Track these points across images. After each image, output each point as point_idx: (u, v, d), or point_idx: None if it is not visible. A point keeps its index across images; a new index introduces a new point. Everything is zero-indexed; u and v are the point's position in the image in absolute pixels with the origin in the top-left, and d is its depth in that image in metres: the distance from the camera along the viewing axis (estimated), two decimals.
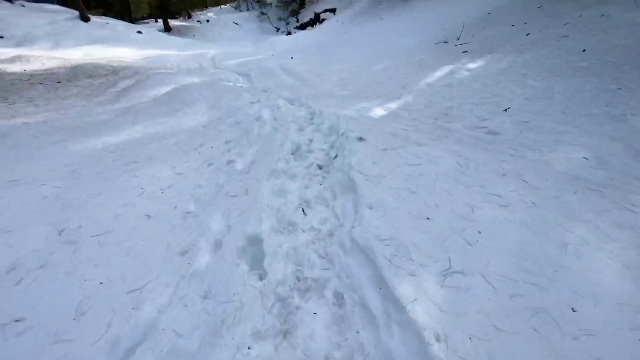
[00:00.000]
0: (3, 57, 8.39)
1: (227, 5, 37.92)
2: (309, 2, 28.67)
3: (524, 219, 1.83)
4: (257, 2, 32.50)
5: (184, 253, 1.76)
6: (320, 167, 2.60)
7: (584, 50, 5.28)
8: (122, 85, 6.15)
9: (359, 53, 10.98)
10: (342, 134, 2.91)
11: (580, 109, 3.70)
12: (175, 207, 2.21)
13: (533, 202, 1.98)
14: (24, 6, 18.20)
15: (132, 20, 32.41)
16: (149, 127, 3.87)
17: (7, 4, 17.48)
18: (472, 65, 5.85)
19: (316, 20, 22.93)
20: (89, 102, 5.16)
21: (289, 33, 23.46)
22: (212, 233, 1.89)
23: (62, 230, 1.99)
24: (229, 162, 2.70)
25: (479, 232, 1.73)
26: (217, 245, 1.81)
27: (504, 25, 8.65)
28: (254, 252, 1.72)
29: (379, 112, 4.46)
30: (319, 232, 1.99)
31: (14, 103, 5.04)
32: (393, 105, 4.74)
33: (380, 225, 1.74)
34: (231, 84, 5.74)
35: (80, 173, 2.70)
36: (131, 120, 3.98)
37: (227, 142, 3.19)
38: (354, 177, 2.15)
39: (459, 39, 9.16)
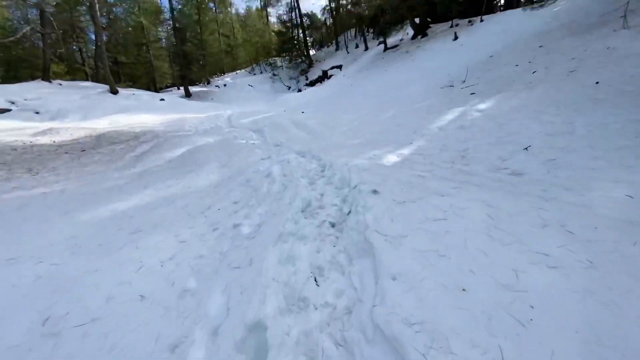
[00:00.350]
0: (36, 130, 9.08)
1: (242, 70, 41.43)
2: (317, 61, 30.95)
3: (585, 285, 1.48)
4: (269, 65, 35.41)
5: (174, 348, 1.49)
6: (333, 225, 2.36)
7: (597, 82, 5.12)
8: (140, 149, 6.38)
9: (366, 103, 11.31)
10: (355, 187, 2.74)
11: (609, 142, 3.40)
12: (173, 284, 1.98)
13: (590, 261, 1.63)
14: (61, 84, 20.38)
15: (157, 89, 35.69)
16: (161, 190, 3.83)
17: (46, 83, 19.64)
18: (482, 106, 5.76)
19: (324, 76, 24.42)
20: (108, 168, 5.30)
21: (299, 90, 24.91)
22: (209, 318, 1.62)
23: (46, 319, 1.78)
24: (235, 226, 2.52)
25: (532, 307, 1.38)
26: (214, 333, 1.53)
27: (508, 66, 8.77)
28: (256, 343, 1.43)
29: (391, 159, 4.30)
30: (334, 309, 1.68)
31: (38, 173, 5.23)
32: (405, 151, 4.58)
33: (407, 304, 1.42)
34: (244, 141, 5.85)
35: (82, 246, 2.58)
36: (144, 184, 3.98)
37: (235, 202, 3.06)
38: (371, 239, 1.88)
39: (464, 81, 9.31)
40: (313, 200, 2.76)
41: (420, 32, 18.89)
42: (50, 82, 20.59)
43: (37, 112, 13.62)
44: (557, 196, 2.50)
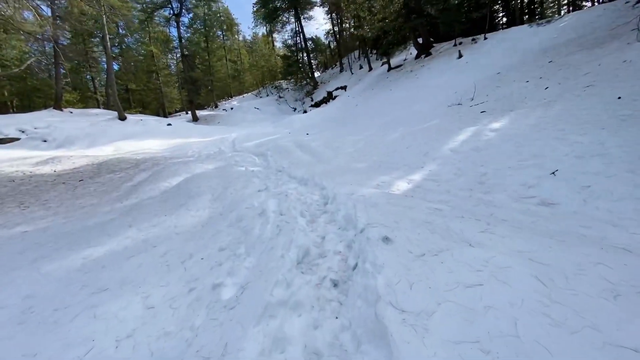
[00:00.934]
0: (39, 159, 9.03)
1: (249, 93, 42.28)
2: (321, 82, 31.38)
3: None
4: (275, 88, 36.06)
5: None
6: (335, 285, 1.91)
7: (620, 97, 4.77)
8: (138, 178, 6.18)
9: (372, 123, 11.10)
10: (362, 231, 2.28)
11: None
12: None
13: None
14: (71, 112, 20.85)
15: (166, 114, 36.48)
16: (144, 230, 3.43)
17: (57, 111, 20.10)
18: (496, 125, 5.42)
19: (329, 97, 24.58)
20: (100, 201, 5.06)
21: (304, 111, 25.05)
22: None
23: None
24: (215, 287, 2.10)
25: None
26: None
27: (517, 82, 8.50)
28: None
29: (402, 186, 3.94)
30: None
31: (28, 207, 5.01)
32: (417, 176, 4.23)
33: None
34: (243, 168, 5.59)
35: (34, 312, 2.21)
36: (129, 222, 3.66)
37: (221, 249, 2.67)
38: (385, 318, 1.40)
39: (472, 99, 9.04)
40: (312, 246, 2.32)
41: (424, 51, 18.97)
42: (61, 110, 21.11)
43: (45, 141, 13.79)
44: (605, 235, 2.09)
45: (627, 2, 9.62)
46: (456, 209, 2.72)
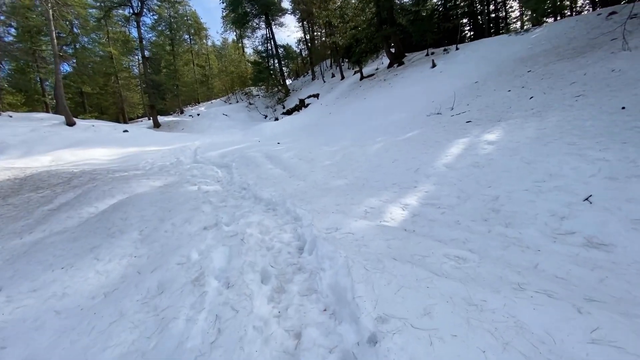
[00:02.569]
0: None
1: (218, 99, 40.56)
2: (293, 90, 30.61)
3: None
4: (245, 94, 34.75)
5: None
6: None
7: (624, 107, 4.35)
8: (62, 199, 4.90)
9: (348, 132, 10.39)
10: (373, 342, 1.27)
11: None
12: None
13: None
14: (11, 116, 18.33)
15: (126, 120, 33.82)
16: (12, 301, 2.18)
17: None
18: (490, 137, 4.83)
19: (301, 105, 23.82)
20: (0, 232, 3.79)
21: (276, 119, 24.07)
22: None
23: None
24: None
25: None
26: None
27: (498, 92, 8.18)
28: None
29: (396, 214, 3.12)
30: None
31: None
32: (411, 199, 3.44)
33: None
34: (195, 187, 4.51)
35: None
36: (9, 275, 2.48)
37: None
38: None
39: (452, 109, 8.62)
40: None
41: (396, 60, 18.83)
42: None
43: None
44: None
45: (599, 15, 9.77)
46: (486, 259, 1.92)
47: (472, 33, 26.56)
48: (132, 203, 3.57)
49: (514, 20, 25.80)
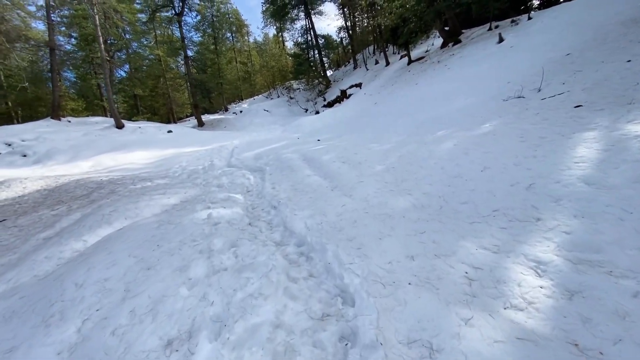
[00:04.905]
0: None
1: (260, 95, 40.59)
2: (334, 81, 29.15)
3: None
4: (286, 89, 34.14)
5: None
6: None
7: None
8: (68, 220, 4.22)
9: (400, 125, 8.79)
10: None
11: None
12: None
13: None
14: (69, 121, 19.55)
15: (175, 120, 35.25)
16: None
17: (55, 121, 18.82)
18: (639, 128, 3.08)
19: (343, 96, 22.36)
20: None
21: (317, 112, 22.94)
22: None
23: None
24: None
25: None
26: None
27: (610, 64, 6.04)
28: None
29: (530, 290, 1.70)
30: None
31: None
32: (544, 248, 1.97)
33: None
34: (205, 215, 3.37)
35: None
36: None
37: None
38: None
39: (539, 90, 6.63)
40: None
41: (451, 39, 16.44)
42: (59, 119, 19.88)
43: (25, 155, 12.27)
44: None
45: None
46: None
47: (537, 2, 22.64)
48: (112, 246, 2.60)
49: None
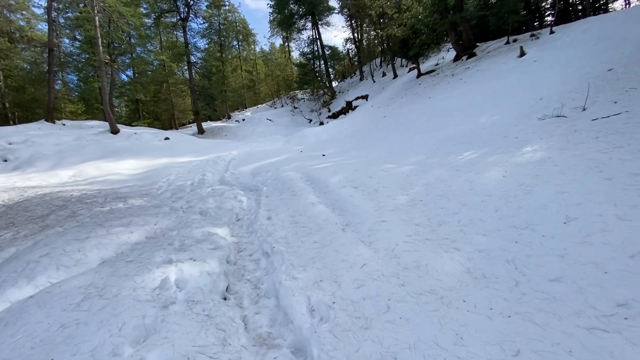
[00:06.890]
0: None
1: (264, 104, 39.97)
2: (339, 92, 28.45)
3: None
4: (290, 98, 33.50)
5: None
6: None
7: None
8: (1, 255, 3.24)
9: (416, 142, 7.82)
10: None
11: None
12: None
13: None
14: (64, 124, 18.72)
15: (176, 126, 34.53)
16: None
17: (49, 124, 17.99)
18: None
19: (348, 108, 21.56)
20: None
21: (321, 123, 22.11)
22: None
23: None
24: None
25: None
26: None
27: None
28: None
29: None
30: None
31: None
32: None
33: None
34: (163, 275, 2.31)
35: None
36: None
37: None
38: None
39: (584, 109, 5.68)
40: None
41: (465, 52, 15.64)
42: (53, 122, 19.03)
43: (5, 160, 11.35)
44: None
45: None
46: None
47: (552, 18, 22.06)
48: (9, 331, 1.63)
49: None
